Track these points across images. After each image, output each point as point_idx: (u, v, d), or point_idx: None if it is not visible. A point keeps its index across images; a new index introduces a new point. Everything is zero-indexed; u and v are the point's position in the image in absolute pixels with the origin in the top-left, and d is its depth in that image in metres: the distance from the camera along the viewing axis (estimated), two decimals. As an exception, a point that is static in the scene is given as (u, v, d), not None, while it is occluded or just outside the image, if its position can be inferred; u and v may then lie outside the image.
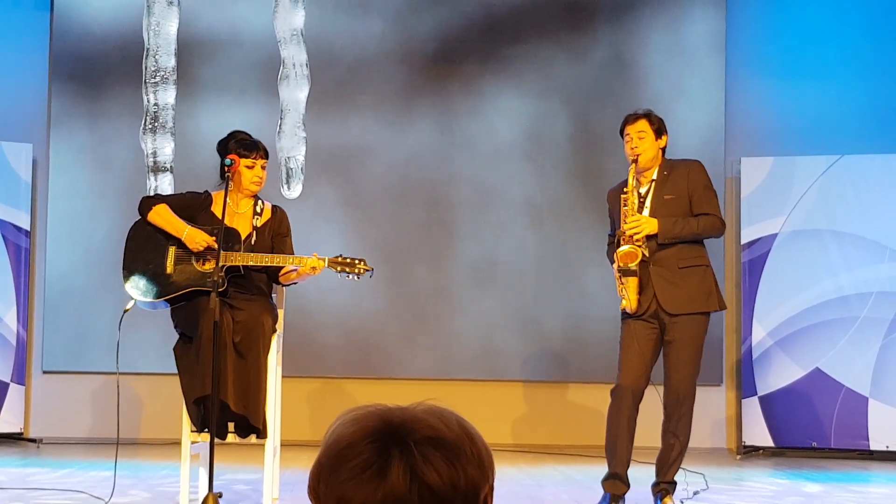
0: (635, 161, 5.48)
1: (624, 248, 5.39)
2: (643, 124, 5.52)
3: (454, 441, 1.32)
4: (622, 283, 5.41)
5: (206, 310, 4.93)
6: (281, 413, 5.55)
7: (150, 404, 8.31)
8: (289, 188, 8.48)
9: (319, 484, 1.32)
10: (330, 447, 1.33)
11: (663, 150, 5.57)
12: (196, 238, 5.30)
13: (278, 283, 5.52)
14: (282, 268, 5.39)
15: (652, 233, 5.40)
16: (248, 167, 5.38)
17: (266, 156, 5.46)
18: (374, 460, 1.29)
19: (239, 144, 5.40)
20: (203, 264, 5.32)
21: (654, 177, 5.53)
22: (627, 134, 5.54)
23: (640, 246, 5.39)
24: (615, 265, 5.44)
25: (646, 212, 5.47)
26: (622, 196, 5.50)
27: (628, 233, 5.41)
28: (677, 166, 5.59)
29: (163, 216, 5.38)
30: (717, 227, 5.52)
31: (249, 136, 5.48)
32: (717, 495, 6.07)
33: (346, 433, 1.33)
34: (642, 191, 5.53)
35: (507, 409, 8.58)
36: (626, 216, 5.45)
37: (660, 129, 5.55)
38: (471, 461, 1.32)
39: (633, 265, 5.37)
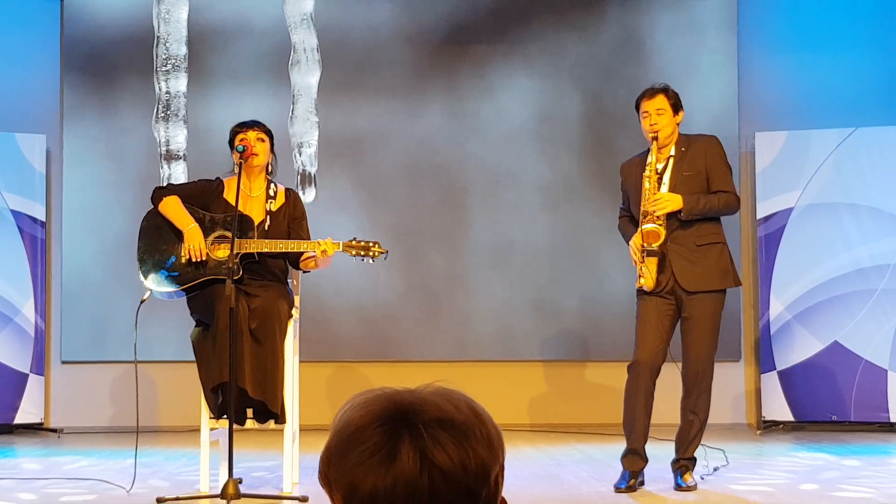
0: (655, 138, 5.43)
1: (648, 226, 5.35)
2: (661, 100, 5.46)
3: (463, 422, 1.32)
4: (643, 262, 5.38)
5: (222, 297, 4.95)
6: (299, 398, 5.56)
7: (169, 392, 8.33)
8: (303, 192, 8.39)
9: (330, 469, 1.32)
10: (339, 432, 1.33)
11: (678, 125, 5.54)
12: (193, 241, 5.30)
13: (299, 269, 5.53)
14: (302, 253, 5.39)
15: (676, 209, 5.37)
16: (242, 139, 5.40)
17: (264, 129, 5.47)
18: (383, 444, 1.29)
19: (236, 126, 5.48)
20: (217, 251, 5.33)
21: (672, 153, 5.49)
22: (645, 111, 5.47)
23: (661, 225, 5.36)
24: (631, 241, 5.42)
25: (664, 188, 5.44)
26: (644, 176, 5.45)
27: (650, 210, 5.36)
28: (694, 142, 5.54)
29: (171, 208, 5.39)
30: (733, 204, 5.50)
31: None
32: (738, 471, 6.06)
33: (354, 417, 1.33)
34: (659, 167, 5.49)
35: (525, 389, 8.58)
36: (647, 195, 5.41)
37: (677, 105, 5.50)
38: (480, 441, 1.32)
39: (655, 245, 5.34)
